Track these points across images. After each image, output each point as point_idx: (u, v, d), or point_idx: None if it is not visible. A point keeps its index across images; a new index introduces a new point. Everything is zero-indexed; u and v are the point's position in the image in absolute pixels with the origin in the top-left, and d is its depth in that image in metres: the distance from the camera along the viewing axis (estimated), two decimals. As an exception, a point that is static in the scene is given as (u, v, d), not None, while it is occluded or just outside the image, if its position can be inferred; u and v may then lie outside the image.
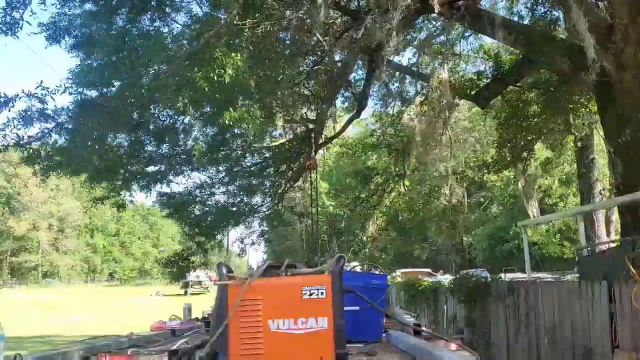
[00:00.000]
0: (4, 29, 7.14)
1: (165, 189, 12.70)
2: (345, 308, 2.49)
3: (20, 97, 7.69)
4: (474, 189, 24.96)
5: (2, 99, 7.51)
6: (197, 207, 13.78)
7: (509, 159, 12.92)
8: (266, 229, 18.56)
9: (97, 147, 9.08)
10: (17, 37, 7.31)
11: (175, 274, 16.54)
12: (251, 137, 10.84)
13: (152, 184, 11.65)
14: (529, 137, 12.46)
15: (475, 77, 12.16)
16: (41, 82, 7.81)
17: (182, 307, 8.14)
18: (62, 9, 8.48)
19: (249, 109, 7.88)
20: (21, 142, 8.27)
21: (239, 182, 13.48)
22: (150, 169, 11.52)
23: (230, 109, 7.46)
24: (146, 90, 7.90)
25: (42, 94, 7.78)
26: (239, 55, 6.82)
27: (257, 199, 14.65)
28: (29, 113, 7.84)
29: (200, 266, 17.08)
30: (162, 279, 61.52)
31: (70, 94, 8.45)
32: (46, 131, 8.51)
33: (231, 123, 7.76)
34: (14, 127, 7.90)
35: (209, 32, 6.61)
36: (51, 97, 7.91)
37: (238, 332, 2.35)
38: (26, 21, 7.31)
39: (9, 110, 7.67)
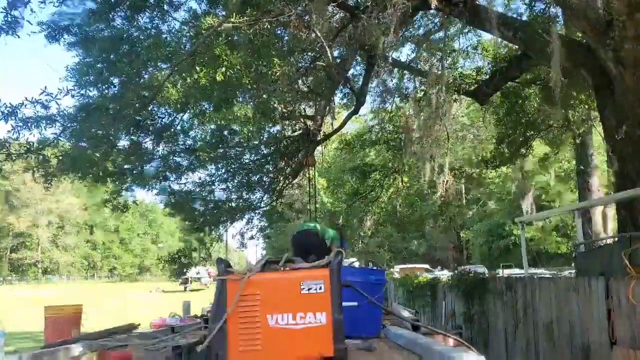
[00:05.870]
0: (5, 28, 7.14)
1: (166, 186, 12.70)
2: (344, 303, 2.50)
3: (25, 105, 7.70)
4: (472, 185, 24.94)
5: (7, 109, 7.51)
6: (197, 203, 13.78)
7: (507, 154, 12.95)
8: (265, 224, 18.55)
9: (102, 149, 9.08)
10: (19, 36, 7.31)
11: (177, 271, 16.60)
12: (248, 135, 10.83)
13: (154, 183, 11.66)
14: (528, 133, 12.48)
15: (473, 73, 12.15)
16: (45, 87, 7.84)
17: (181, 303, 8.18)
18: (61, 7, 8.46)
19: (244, 107, 7.88)
20: (32, 150, 8.29)
21: (238, 179, 13.48)
22: (152, 168, 11.51)
23: (223, 107, 7.46)
24: (145, 89, 7.90)
25: (46, 99, 7.79)
26: (234, 53, 6.82)
27: (256, 195, 14.65)
28: (34, 119, 7.85)
29: (202, 261, 17.14)
30: (161, 275, 61.57)
31: (73, 96, 8.45)
32: (54, 136, 8.51)
33: (225, 122, 7.76)
34: (19, 134, 7.91)
35: (207, 30, 6.61)
36: (56, 102, 7.93)
37: (237, 327, 2.37)
38: (27, 20, 7.31)
39: (15, 120, 7.69)
